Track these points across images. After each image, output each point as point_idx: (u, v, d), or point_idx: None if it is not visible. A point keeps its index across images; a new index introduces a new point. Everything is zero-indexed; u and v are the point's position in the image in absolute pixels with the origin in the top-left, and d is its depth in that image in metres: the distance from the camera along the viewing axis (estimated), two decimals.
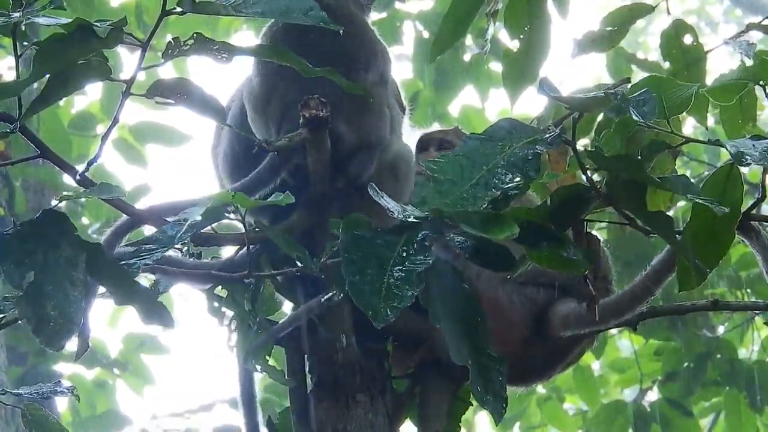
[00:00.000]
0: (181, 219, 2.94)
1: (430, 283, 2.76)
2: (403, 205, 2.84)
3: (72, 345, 2.93)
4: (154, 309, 2.80)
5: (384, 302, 2.61)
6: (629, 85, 3.03)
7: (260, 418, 3.76)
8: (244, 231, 3.24)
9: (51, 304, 2.56)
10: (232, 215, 3.13)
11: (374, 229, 2.76)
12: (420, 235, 2.73)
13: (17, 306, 2.57)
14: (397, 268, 2.67)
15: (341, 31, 2.94)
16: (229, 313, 3.56)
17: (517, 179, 2.67)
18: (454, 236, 2.81)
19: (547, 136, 2.76)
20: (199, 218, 2.91)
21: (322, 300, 3.08)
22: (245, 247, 3.36)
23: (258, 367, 3.56)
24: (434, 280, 2.78)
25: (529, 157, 2.70)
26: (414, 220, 2.73)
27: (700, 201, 2.76)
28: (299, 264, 3.17)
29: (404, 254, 2.70)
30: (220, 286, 3.55)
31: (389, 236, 2.75)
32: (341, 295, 2.99)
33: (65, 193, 2.89)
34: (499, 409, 2.77)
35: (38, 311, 2.56)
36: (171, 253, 3.52)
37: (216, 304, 3.53)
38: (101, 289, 3.05)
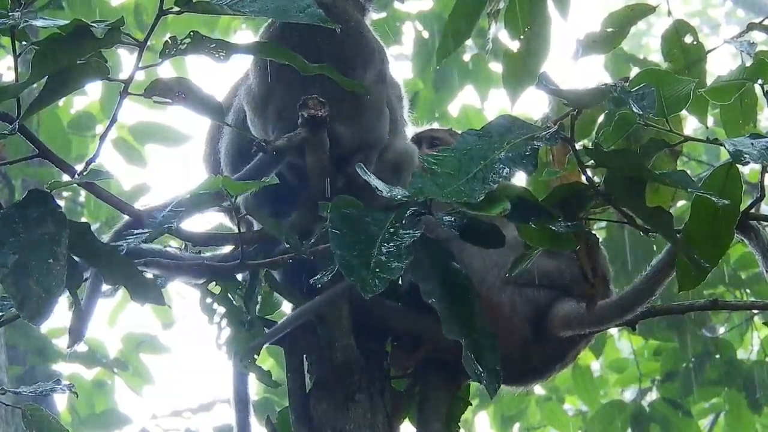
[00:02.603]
0: (170, 205, 2.96)
1: (422, 261, 2.77)
2: (392, 187, 2.86)
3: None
4: (146, 288, 2.81)
5: (372, 274, 2.63)
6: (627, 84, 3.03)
7: (252, 419, 3.76)
8: (237, 228, 3.24)
9: (33, 279, 2.59)
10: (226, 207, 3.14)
11: (363, 208, 2.78)
12: (409, 211, 2.75)
13: (2, 283, 2.60)
14: (386, 243, 2.69)
15: (338, 30, 2.95)
16: (221, 310, 3.55)
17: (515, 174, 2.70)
18: (444, 216, 2.82)
19: (546, 132, 2.76)
20: (185, 203, 2.92)
21: (312, 280, 3.09)
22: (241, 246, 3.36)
23: (244, 367, 3.56)
24: (426, 258, 2.80)
25: (527, 153, 2.71)
26: (402, 199, 2.76)
27: (702, 194, 2.76)
28: (287, 245, 3.17)
29: (392, 230, 2.73)
30: (214, 283, 3.55)
31: (378, 214, 2.78)
32: (331, 275, 3.00)
33: (55, 181, 2.91)
34: (493, 384, 2.79)
35: (22, 287, 2.60)
36: (168, 250, 3.53)
37: (209, 300, 3.53)
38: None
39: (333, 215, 2.76)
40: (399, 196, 2.80)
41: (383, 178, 3.09)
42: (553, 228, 2.79)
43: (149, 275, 3.36)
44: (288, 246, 3.17)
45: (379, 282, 2.63)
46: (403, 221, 2.75)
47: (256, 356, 3.55)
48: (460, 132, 4.10)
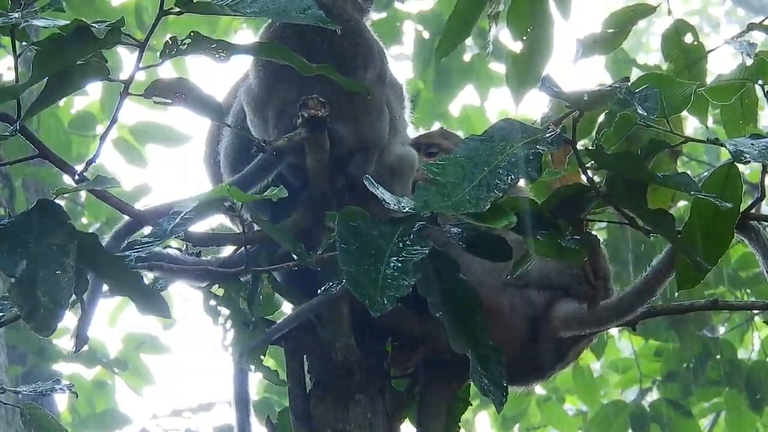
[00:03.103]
0: (175, 213, 2.95)
1: (429, 274, 2.77)
2: (399, 197, 2.85)
3: (70, 343, 2.94)
4: (151, 300, 2.81)
5: (380, 292, 2.62)
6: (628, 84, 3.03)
7: (253, 420, 3.76)
8: (241, 230, 3.24)
9: (42, 290, 2.59)
10: (229, 211, 3.14)
11: (371, 221, 2.77)
12: (416, 225, 2.74)
13: (10, 293, 2.60)
14: (394, 258, 2.68)
15: (338, 31, 2.95)
16: (225, 311, 3.55)
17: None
18: (450, 227, 2.82)
19: (548, 135, 2.76)
20: (193, 211, 2.92)
21: (319, 292, 3.08)
22: (243, 247, 3.36)
23: (252, 367, 3.56)
24: (433, 271, 2.79)
25: (531, 157, 2.70)
26: (409, 211, 2.75)
27: (703, 196, 2.76)
28: (295, 256, 3.17)
29: (400, 244, 2.72)
30: (217, 285, 3.55)
31: (385, 227, 2.76)
32: (338, 287, 2.99)
33: (60, 187, 2.91)
34: (500, 398, 2.79)
35: (29, 298, 2.59)
36: (170, 251, 3.53)
37: (212, 302, 3.54)
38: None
39: (340, 228, 2.75)
40: (407, 209, 2.80)
41: (382, 181, 3.09)
42: (561, 242, 2.78)
43: (151, 276, 3.36)
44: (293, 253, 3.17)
45: (387, 300, 2.61)
46: (412, 236, 2.75)
47: (262, 356, 3.55)
48: (453, 132, 4.12)
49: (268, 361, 3.65)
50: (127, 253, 2.90)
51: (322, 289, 3.07)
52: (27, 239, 2.66)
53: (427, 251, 2.70)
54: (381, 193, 2.86)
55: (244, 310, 3.52)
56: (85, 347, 3.09)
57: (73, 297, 2.78)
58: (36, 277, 2.60)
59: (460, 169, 2.69)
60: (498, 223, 2.68)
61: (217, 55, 2.84)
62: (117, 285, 2.83)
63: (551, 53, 4.40)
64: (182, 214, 2.93)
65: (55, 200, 2.80)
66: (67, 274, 2.62)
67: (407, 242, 2.72)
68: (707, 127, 4.04)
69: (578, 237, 2.83)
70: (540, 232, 2.80)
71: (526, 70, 4.38)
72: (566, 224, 2.85)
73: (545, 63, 4.40)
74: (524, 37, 4.38)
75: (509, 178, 2.66)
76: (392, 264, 2.67)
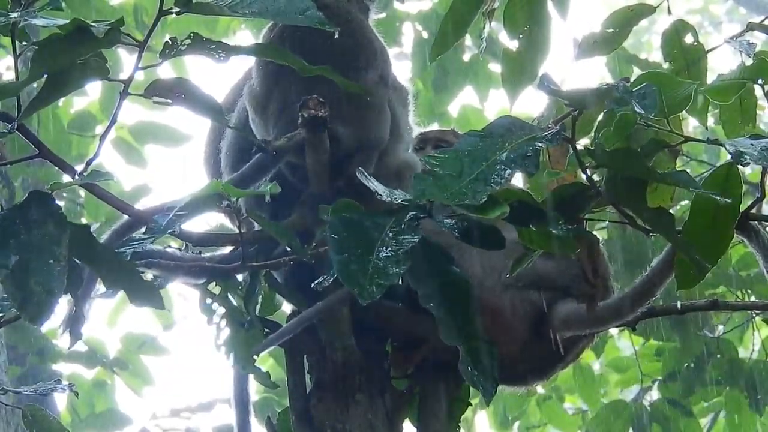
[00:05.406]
0: (169, 209, 2.96)
1: (419, 265, 2.77)
2: (392, 190, 2.86)
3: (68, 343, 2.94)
4: (144, 292, 2.81)
5: (370, 280, 2.63)
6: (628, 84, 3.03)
7: (252, 419, 3.76)
8: (239, 229, 3.25)
9: (34, 280, 2.60)
10: (226, 208, 3.14)
11: (363, 213, 2.78)
12: (408, 215, 2.75)
13: (3, 284, 2.60)
14: (384, 248, 2.69)
15: (339, 30, 2.94)
16: (220, 310, 3.55)
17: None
18: (444, 218, 2.82)
19: (547, 133, 2.76)
20: (188, 207, 2.92)
21: (313, 285, 3.09)
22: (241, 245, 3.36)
23: (243, 369, 3.56)
24: (424, 262, 2.80)
25: (529, 154, 2.71)
26: (402, 202, 2.75)
27: (704, 193, 2.76)
28: (288, 249, 3.17)
29: (391, 234, 2.72)
30: (215, 284, 3.55)
31: (377, 218, 2.77)
32: (330, 279, 3.00)
33: (55, 182, 2.91)
34: (489, 389, 2.79)
35: (22, 288, 2.60)
36: (168, 250, 3.53)
37: (209, 301, 3.53)
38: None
39: (332, 219, 2.76)
40: (399, 200, 2.80)
41: (384, 183, 3.10)
42: (554, 231, 2.79)
43: (149, 275, 3.36)
44: (289, 248, 3.17)
45: (376, 289, 2.62)
46: (403, 225, 2.75)
47: (255, 357, 3.55)
48: (461, 132, 4.11)
49: (268, 361, 3.66)
50: (122, 249, 2.90)
51: (315, 282, 3.08)
52: (19, 230, 2.68)
53: (417, 240, 2.71)
54: (374, 185, 2.87)
55: (239, 308, 3.52)
56: (85, 347, 3.10)
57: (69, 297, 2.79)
58: (28, 267, 2.62)
59: (458, 162, 2.70)
60: (492, 213, 2.69)
61: (216, 56, 2.84)
62: (110, 277, 2.84)
63: (548, 52, 4.40)
64: (175, 210, 2.94)
65: (51, 194, 2.80)
66: (59, 264, 2.63)
67: (398, 233, 2.73)
68: (707, 127, 4.04)
69: (571, 226, 2.83)
70: (533, 223, 2.80)
71: (522, 69, 4.38)
72: (557, 214, 2.86)
73: (542, 61, 4.39)
74: (520, 35, 4.38)
75: (507, 172, 2.67)
76: (382, 254, 2.68)
